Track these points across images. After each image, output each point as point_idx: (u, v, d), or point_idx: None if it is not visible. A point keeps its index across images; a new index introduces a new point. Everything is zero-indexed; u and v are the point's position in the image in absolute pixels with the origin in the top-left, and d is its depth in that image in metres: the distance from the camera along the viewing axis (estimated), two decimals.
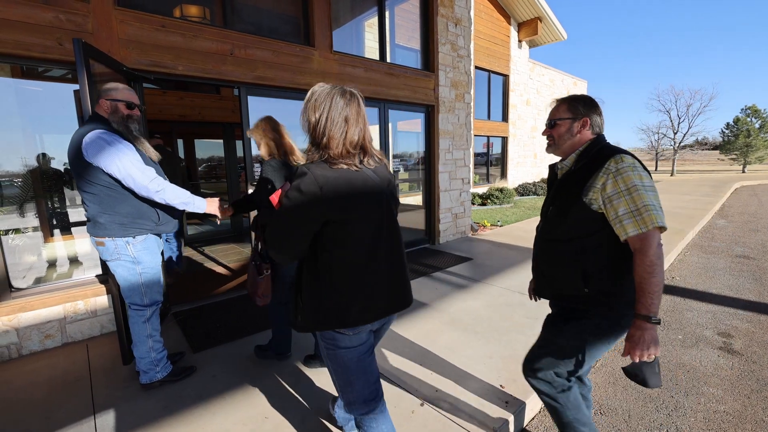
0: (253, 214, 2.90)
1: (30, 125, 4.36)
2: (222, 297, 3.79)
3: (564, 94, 1.57)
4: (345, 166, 1.22)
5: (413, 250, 5.59)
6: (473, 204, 10.32)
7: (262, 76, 3.77)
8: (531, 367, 1.57)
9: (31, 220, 4.04)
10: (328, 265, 1.25)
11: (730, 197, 12.10)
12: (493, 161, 13.46)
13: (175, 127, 6.65)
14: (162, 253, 2.31)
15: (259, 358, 2.57)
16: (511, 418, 1.95)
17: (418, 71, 5.45)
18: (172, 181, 2.26)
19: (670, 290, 4.01)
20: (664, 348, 2.84)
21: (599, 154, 1.36)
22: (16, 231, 4.00)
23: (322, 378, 2.32)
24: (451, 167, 6.05)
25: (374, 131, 5.08)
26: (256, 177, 2.93)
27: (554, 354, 1.49)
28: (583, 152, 1.42)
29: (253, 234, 2.35)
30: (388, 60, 5.15)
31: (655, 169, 33.35)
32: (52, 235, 4.17)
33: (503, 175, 13.71)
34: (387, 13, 5.24)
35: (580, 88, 17.55)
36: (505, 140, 13.55)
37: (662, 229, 1.23)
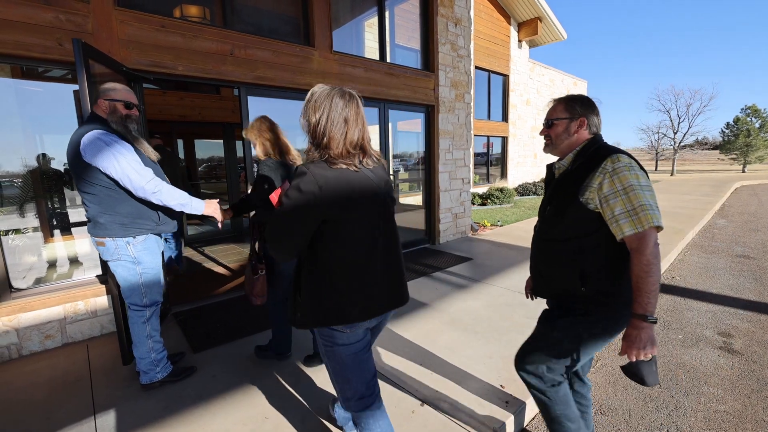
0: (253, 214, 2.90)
1: (30, 125, 4.36)
2: (222, 297, 3.80)
3: (564, 94, 1.57)
4: (344, 166, 1.24)
5: (413, 250, 5.59)
6: (473, 204, 10.32)
7: (262, 76, 3.77)
8: (523, 360, 1.58)
9: (31, 220, 4.04)
10: (326, 263, 1.27)
11: (730, 197, 12.10)
12: (493, 161, 13.46)
13: (175, 127, 6.65)
14: (162, 254, 2.31)
15: (259, 358, 2.57)
16: (511, 418, 1.95)
17: (418, 71, 5.45)
18: (171, 181, 2.26)
19: (671, 290, 4.01)
20: (665, 348, 2.84)
21: (596, 153, 1.37)
22: (17, 231, 4.00)
23: (322, 378, 2.32)
24: (451, 167, 6.05)
25: (374, 131, 5.08)
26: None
27: (548, 348, 1.50)
28: (580, 152, 1.42)
29: (253, 234, 2.35)
30: (388, 60, 5.15)
31: (655, 169, 33.36)
32: (52, 235, 4.17)
33: (503, 175, 13.71)
34: (387, 13, 5.24)
35: (580, 88, 17.55)
36: (505, 140, 13.56)
37: (659, 228, 1.23)
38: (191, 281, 4.36)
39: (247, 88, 3.74)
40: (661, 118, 48.86)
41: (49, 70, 3.54)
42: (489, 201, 10.43)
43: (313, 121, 1.25)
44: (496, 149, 13.52)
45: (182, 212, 2.15)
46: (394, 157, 5.90)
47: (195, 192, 7.95)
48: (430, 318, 3.18)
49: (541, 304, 1.69)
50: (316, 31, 4.18)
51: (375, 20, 5.17)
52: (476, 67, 11.57)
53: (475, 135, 11.56)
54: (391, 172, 5.52)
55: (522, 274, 4.24)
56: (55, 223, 4.23)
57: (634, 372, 1.30)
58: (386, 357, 2.56)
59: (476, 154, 12.44)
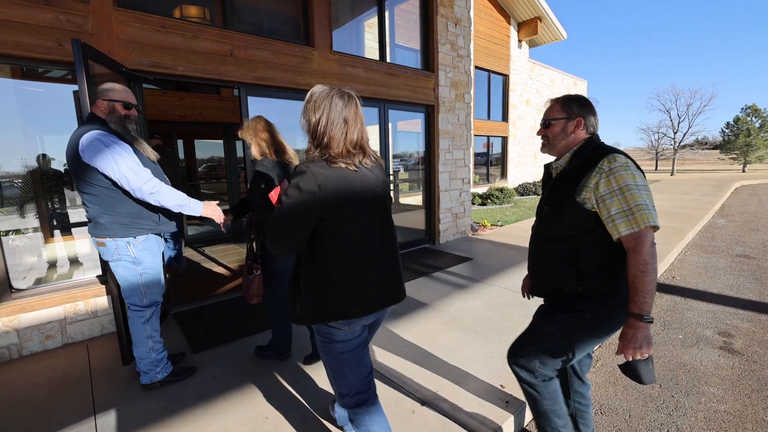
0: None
1: (30, 126, 4.36)
2: (222, 297, 3.80)
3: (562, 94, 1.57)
4: (344, 165, 1.26)
5: (413, 250, 5.59)
6: (473, 204, 10.32)
7: (262, 76, 3.78)
8: (516, 353, 1.59)
9: (32, 220, 4.04)
10: (325, 260, 1.29)
11: (731, 196, 12.10)
12: (493, 161, 13.46)
13: (175, 127, 6.65)
14: (162, 254, 2.31)
15: (259, 359, 2.57)
16: (511, 419, 1.95)
17: (418, 71, 5.45)
18: (171, 181, 2.26)
19: (671, 290, 4.01)
20: (665, 348, 2.84)
21: (593, 153, 1.37)
22: (17, 232, 4.00)
23: (322, 378, 2.32)
24: (451, 167, 6.05)
25: (374, 131, 5.08)
26: None
27: (542, 342, 1.50)
28: (577, 152, 1.43)
29: (251, 234, 2.35)
30: (388, 60, 5.15)
31: (655, 169, 33.35)
32: (52, 235, 4.17)
33: (503, 175, 13.71)
34: (387, 13, 5.24)
35: (580, 87, 17.54)
36: (505, 140, 13.55)
37: (655, 228, 1.24)
38: (191, 281, 4.36)
39: (247, 88, 3.74)
40: (661, 118, 48.93)
41: (50, 71, 3.55)
42: (489, 201, 10.43)
43: (313, 121, 1.26)
44: (496, 149, 13.52)
45: (180, 213, 2.15)
46: (394, 157, 5.90)
47: (195, 192, 7.95)
48: (430, 318, 3.17)
49: (540, 303, 1.69)
50: (316, 31, 4.18)
51: (375, 20, 5.17)
52: (476, 67, 11.57)
53: (475, 135, 11.56)
54: (391, 172, 5.52)
55: (522, 274, 4.23)
56: (55, 223, 4.23)
57: (630, 370, 1.31)
58: (386, 357, 2.56)
59: (476, 154, 12.44)
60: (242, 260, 5.20)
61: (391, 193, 5.56)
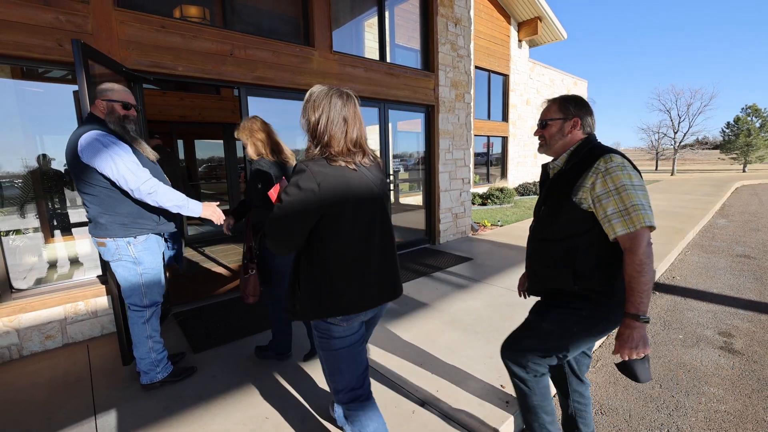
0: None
1: (30, 126, 4.36)
2: (222, 297, 3.80)
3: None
4: (344, 164, 1.27)
5: (413, 250, 5.59)
6: (473, 204, 10.32)
7: (262, 76, 3.78)
8: (510, 347, 1.58)
9: (32, 220, 4.04)
10: (324, 257, 1.30)
11: (731, 196, 12.09)
12: (493, 161, 13.45)
13: (175, 127, 6.65)
14: (162, 254, 2.31)
15: (259, 359, 2.57)
16: (511, 419, 1.95)
17: (418, 71, 5.45)
18: (171, 181, 2.26)
19: (671, 290, 4.01)
20: (665, 348, 2.84)
21: (589, 153, 1.37)
22: (17, 232, 4.00)
23: (322, 378, 2.32)
24: (451, 167, 6.05)
25: (374, 131, 5.08)
26: None
27: (536, 338, 1.51)
28: (574, 152, 1.43)
29: (248, 234, 2.35)
30: (388, 60, 5.15)
31: (656, 169, 33.34)
32: (52, 235, 4.17)
33: (503, 174, 13.71)
34: (387, 13, 5.24)
35: (580, 87, 17.53)
36: (505, 140, 13.55)
37: (651, 228, 1.24)
38: (191, 281, 4.36)
39: (247, 88, 3.74)
40: (661, 118, 48.99)
41: (50, 71, 3.55)
42: (489, 201, 10.43)
43: (312, 120, 1.28)
44: (496, 149, 13.51)
45: (179, 213, 2.14)
46: (394, 157, 5.90)
47: (195, 192, 7.95)
48: (431, 318, 3.17)
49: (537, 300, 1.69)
50: (316, 31, 4.18)
51: (375, 20, 5.17)
52: (476, 67, 11.57)
53: (475, 135, 11.56)
54: (391, 172, 5.52)
55: (522, 273, 4.24)
56: (55, 223, 4.23)
57: (627, 368, 1.31)
58: (386, 357, 2.56)
59: (476, 154, 12.44)
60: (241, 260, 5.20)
61: (390, 193, 5.57)
